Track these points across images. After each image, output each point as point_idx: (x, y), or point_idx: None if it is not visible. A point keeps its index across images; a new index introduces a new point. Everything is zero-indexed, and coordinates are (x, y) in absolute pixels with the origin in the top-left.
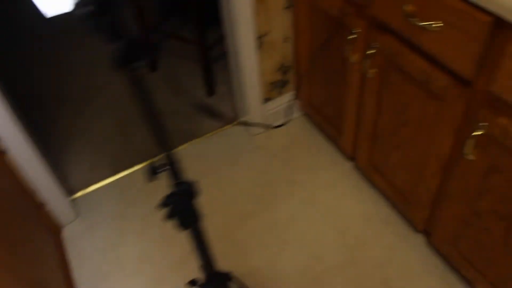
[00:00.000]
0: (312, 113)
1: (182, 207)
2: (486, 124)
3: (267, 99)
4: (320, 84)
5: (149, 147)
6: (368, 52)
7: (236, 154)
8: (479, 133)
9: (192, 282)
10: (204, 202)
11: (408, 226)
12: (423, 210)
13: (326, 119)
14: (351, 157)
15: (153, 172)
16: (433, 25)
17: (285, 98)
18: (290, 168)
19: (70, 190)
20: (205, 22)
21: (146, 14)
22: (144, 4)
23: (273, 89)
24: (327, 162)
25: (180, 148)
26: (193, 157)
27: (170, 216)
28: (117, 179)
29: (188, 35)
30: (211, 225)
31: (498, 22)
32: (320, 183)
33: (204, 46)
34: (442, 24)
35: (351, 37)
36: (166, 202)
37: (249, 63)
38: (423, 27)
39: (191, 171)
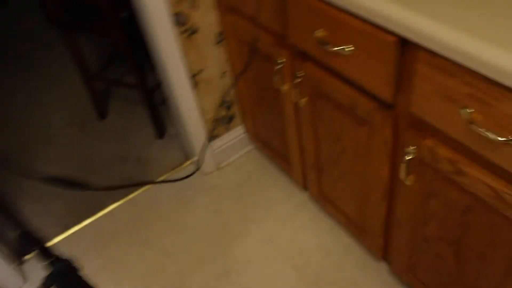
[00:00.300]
0: (261, 146)
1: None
2: (415, 147)
3: (214, 137)
4: (262, 116)
5: (97, 199)
6: (295, 81)
7: (189, 196)
8: (410, 157)
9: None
10: (156, 251)
11: (369, 255)
12: (378, 238)
13: (274, 151)
14: (305, 188)
15: (21, 254)
16: (346, 50)
17: (234, 133)
18: (244, 205)
19: (18, 254)
20: (142, 66)
21: (87, 63)
22: (83, 53)
23: (219, 126)
24: (281, 195)
25: (131, 196)
26: (145, 203)
27: None
28: (65, 237)
29: (131, 80)
30: (162, 274)
31: (404, 42)
32: (276, 219)
33: (146, 90)
34: (353, 48)
35: (277, 67)
36: (47, 283)
37: (187, 103)
38: (337, 52)
39: (142, 218)
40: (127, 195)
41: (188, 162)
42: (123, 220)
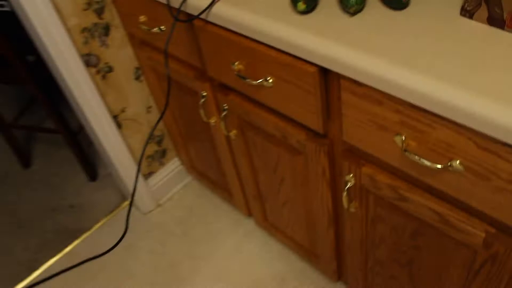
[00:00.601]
0: (199, 177)
1: None
2: (353, 175)
3: (149, 174)
4: (196, 148)
5: (29, 258)
6: (222, 114)
7: (131, 240)
8: (350, 185)
9: None
10: None
11: (325, 278)
12: (331, 262)
13: (213, 181)
14: (250, 215)
15: None
16: (267, 82)
17: (170, 167)
18: (190, 242)
19: None
20: (60, 110)
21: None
22: None
23: (153, 162)
24: (227, 225)
25: (68, 248)
26: (84, 254)
27: None
28: None
29: (52, 125)
30: None
31: (326, 71)
32: (225, 252)
33: (69, 133)
34: (274, 80)
35: (201, 100)
36: None
37: (114, 145)
38: (260, 85)
39: (84, 272)
40: (63, 248)
41: (126, 203)
42: (63, 277)
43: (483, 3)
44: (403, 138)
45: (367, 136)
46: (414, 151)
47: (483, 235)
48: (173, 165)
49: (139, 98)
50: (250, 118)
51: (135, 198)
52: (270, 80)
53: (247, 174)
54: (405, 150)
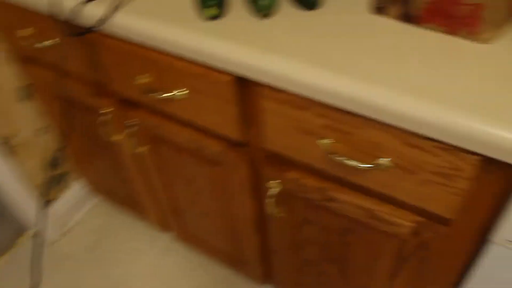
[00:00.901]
0: (107, 197)
1: None
2: (278, 181)
3: (51, 200)
4: (101, 168)
5: None
6: (129, 130)
7: (38, 274)
8: (276, 191)
9: None
10: None
11: (251, 282)
12: (258, 267)
13: (123, 200)
14: (167, 230)
15: None
16: (178, 94)
17: (73, 191)
18: (106, 266)
19: None
20: None
21: None
22: None
23: (52, 187)
24: (144, 243)
25: None
26: None
27: None
28: None
29: None
30: None
31: (242, 78)
32: (144, 271)
33: None
34: (188, 91)
35: (102, 118)
36: None
37: (4, 175)
38: (170, 98)
39: None
40: None
41: (25, 236)
42: None
43: (394, 1)
44: (329, 141)
45: (291, 142)
46: (341, 152)
47: (412, 224)
48: (76, 188)
49: (30, 120)
50: (161, 132)
51: (38, 229)
52: (182, 92)
53: (161, 189)
54: (332, 153)
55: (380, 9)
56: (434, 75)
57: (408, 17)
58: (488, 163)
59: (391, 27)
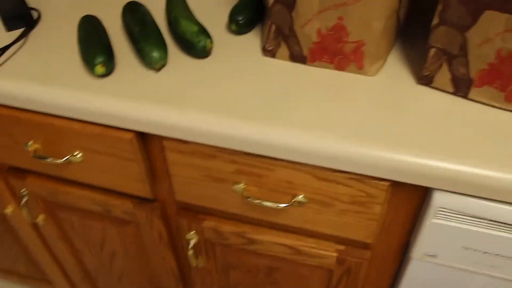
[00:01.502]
0: (4, 274)
1: None
2: (194, 232)
3: None
4: None
5: None
6: (22, 201)
7: None
8: (194, 241)
9: None
10: None
11: None
12: None
13: (24, 276)
14: None
15: None
16: (76, 156)
17: None
18: None
19: None
20: None
21: None
22: None
23: None
24: None
25: None
26: None
27: None
28: None
29: None
30: None
31: (143, 134)
32: None
33: None
34: (84, 153)
35: None
36: None
37: None
38: (66, 162)
39: None
40: None
41: None
42: None
43: (282, 43)
44: (242, 185)
45: (203, 191)
46: (255, 195)
47: (335, 254)
48: None
49: None
50: (60, 198)
51: None
52: (79, 155)
53: (68, 258)
54: (247, 197)
55: (269, 52)
56: (331, 109)
57: (297, 57)
58: (397, 186)
59: (282, 68)
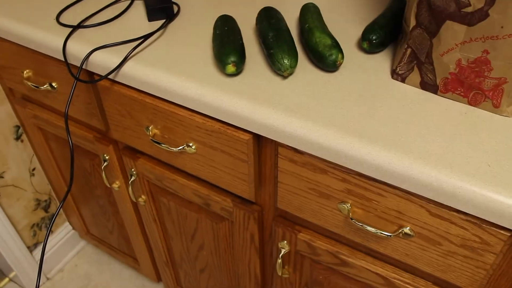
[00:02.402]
0: (96, 243)
1: None
2: (287, 242)
3: (36, 244)
4: (94, 213)
5: None
6: (131, 179)
7: None
8: (285, 251)
9: None
10: None
11: None
12: None
13: (114, 249)
14: (159, 280)
15: None
16: (190, 147)
17: (59, 235)
18: None
19: None
20: None
21: None
22: None
23: (39, 230)
24: None
25: None
26: None
27: None
28: None
29: None
30: None
31: (259, 137)
32: None
33: None
34: (198, 146)
35: (104, 164)
36: None
37: None
38: (180, 151)
39: None
40: None
41: (5, 281)
42: None
43: (415, 68)
44: (349, 206)
45: (306, 204)
46: (360, 218)
47: None
48: (62, 232)
49: (20, 161)
50: (164, 183)
51: (18, 274)
52: (193, 147)
53: (158, 241)
54: (350, 218)
55: (400, 75)
56: (459, 145)
57: (429, 85)
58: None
59: (411, 94)
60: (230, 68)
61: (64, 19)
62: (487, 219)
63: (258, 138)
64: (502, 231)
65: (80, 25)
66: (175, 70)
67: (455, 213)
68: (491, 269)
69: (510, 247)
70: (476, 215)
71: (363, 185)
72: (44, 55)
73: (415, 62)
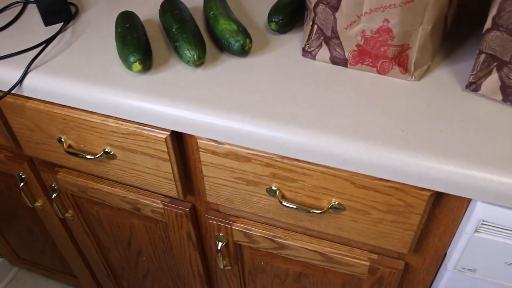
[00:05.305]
0: (30, 267)
1: None
2: (224, 234)
3: None
4: (21, 237)
5: None
6: (53, 195)
7: None
8: (223, 243)
9: None
10: None
11: None
12: None
13: (50, 269)
14: None
15: None
16: (109, 154)
17: None
18: None
19: None
20: None
21: None
22: None
23: None
24: None
25: None
26: None
27: None
28: None
29: None
30: None
31: (178, 133)
32: None
33: None
34: (116, 151)
35: (21, 184)
36: None
37: None
38: (100, 158)
39: None
40: None
41: None
42: None
43: (323, 44)
44: (277, 189)
45: (236, 194)
46: (290, 200)
47: (368, 263)
48: None
49: None
50: (89, 194)
51: None
52: (112, 152)
53: (94, 254)
54: (281, 201)
55: (309, 53)
56: (372, 115)
57: (338, 60)
58: (438, 197)
59: (322, 70)
60: (137, 67)
61: None
62: (408, 183)
63: (176, 135)
64: (423, 192)
65: None
66: (80, 75)
67: (378, 182)
68: (418, 229)
69: (432, 206)
70: (398, 181)
71: (287, 167)
72: None
73: (322, 38)
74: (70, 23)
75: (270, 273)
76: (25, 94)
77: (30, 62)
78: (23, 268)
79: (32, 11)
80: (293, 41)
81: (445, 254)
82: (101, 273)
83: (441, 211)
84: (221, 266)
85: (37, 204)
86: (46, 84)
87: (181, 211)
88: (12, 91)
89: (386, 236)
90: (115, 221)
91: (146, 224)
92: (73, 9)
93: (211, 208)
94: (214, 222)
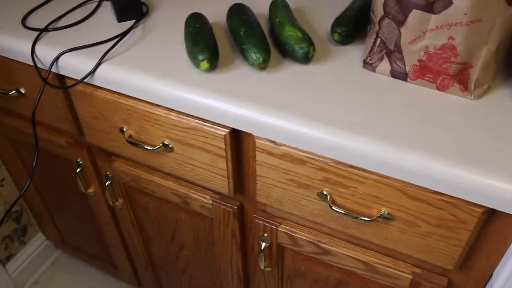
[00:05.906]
0: (72, 252)
1: None
2: (268, 234)
3: (8, 257)
4: (68, 221)
5: None
6: (107, 183)
7: None
8: (266, 244)
9: None
10: None
11: None
12: None
13: (92, 256)
14: (140, 285)
15: None
16: (167, 146)
17: (33, 245)
18: None
19: None
20: None
21: None
22: None
23: (11, 242)
24: None
25: None
26: None
27: None
28: None
29: None
30: None
31: (236, 131)
32: None
33: None
34: (175, 144)
35: (78, 169)
36: None
37: None
38: (157, 150)
39: None
40: None
41: None
42: None
43: (385, 57)
44: (328, 194)
45: (286, 196)
46: (339, 206)
47: (410, 276)
48: (36, 243)
49: None
50: (141, 185)
51: None
52: (170, 145)
53: (136, 244)
54: (331, 206)
55: (370, 65)
56: (429, 129)
57: (398, 73)
58: (491, 214)
59: (382, 82)
60: (204, 65)
61: (30, 22)
62: (462, 198)
63: (235, 133)
64: (475, 208)
65: (47, 28)
66: (149, 69)
67: (431, 194)
68: (466, 246)
69: (483, 224)
70: (451, 194)
71: (341, 172)
72: (10, 60)
73: (384, 51)
74: (141, 20)
75: (309, 279)
76: (95, 83)
77: (105, 53)
78: (66, 252)
79: (106, 8)
80: (354, 52)
81: (491, 274)
82: (141, 264)
83: (491, 230)
84: (262, 267)
85: (90, 190)
86: (115, 75)
87: (229, 209)
88: (84, 80)
89: (433, 250)
90: (163, 214)
91: (193, 219)
92: (144, 8)
93: (259, 208)
94: (261, 222)
